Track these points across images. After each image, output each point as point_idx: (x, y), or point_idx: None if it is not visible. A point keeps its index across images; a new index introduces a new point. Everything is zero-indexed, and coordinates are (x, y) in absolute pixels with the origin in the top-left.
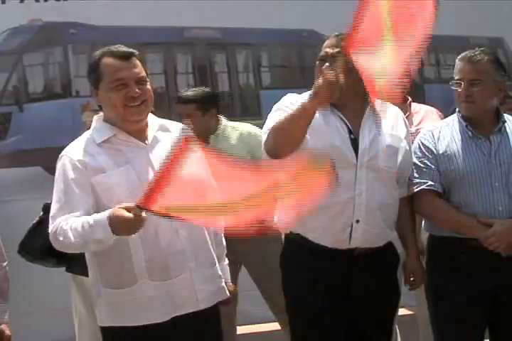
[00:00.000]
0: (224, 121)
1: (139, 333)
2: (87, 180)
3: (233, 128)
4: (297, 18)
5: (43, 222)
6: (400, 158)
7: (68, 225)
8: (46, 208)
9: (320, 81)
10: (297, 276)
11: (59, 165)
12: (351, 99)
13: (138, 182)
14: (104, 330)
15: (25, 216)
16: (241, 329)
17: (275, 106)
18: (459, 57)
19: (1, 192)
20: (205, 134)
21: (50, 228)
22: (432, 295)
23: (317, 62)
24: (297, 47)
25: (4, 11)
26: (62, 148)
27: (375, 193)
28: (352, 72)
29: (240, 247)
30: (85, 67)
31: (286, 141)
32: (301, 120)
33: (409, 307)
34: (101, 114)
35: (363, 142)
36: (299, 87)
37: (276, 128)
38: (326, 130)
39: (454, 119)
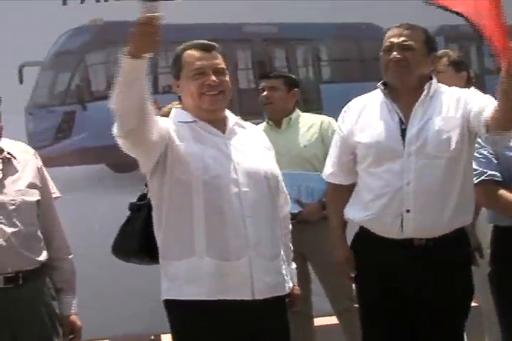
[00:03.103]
0: (298, 110)
1: (191, 308)
2: (164, 132)
3: (306, 117)
4: (355, 11)
5: (130, 221)
6: (454, 140)
7: None
8: (133, 207)
9: None
10: (360, 265)
11: None
12: (414, 86)
13: (212, 163)
14: (165, 304)
15: (90, 213)
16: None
17: (336, 133)
18: None
19: (67, 189)
20: (281, 114)
21: None
22: (497, 285)
23: (381, 53)
24: (356, 41)
25: (65, 12)
26: None
27: (426, 181)
28: (419, 58)
29: (304, 238)
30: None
31: None
32: None
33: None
34: (179, 105)
35: (411, 131)
36: (358, 81)
37: None
38: (374, 124)
39: None
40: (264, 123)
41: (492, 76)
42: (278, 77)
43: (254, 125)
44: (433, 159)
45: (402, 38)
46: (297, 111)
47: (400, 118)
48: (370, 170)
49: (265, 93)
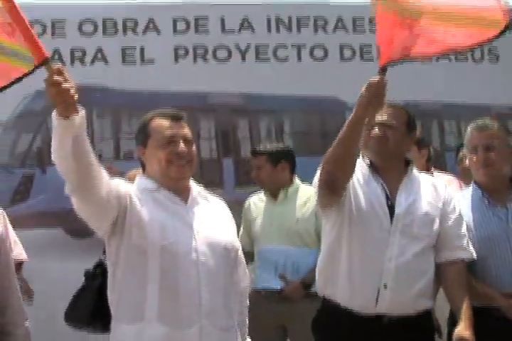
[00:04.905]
0: (298, 181)
1: None
2: (123, 195)
3: (305, 189)
4: (320, 84)
5: (86, 290)
6: (436, 225)
7: None
8: (87, 275)
9: (368, 89)
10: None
11: None
12: (393, 165)
13: (172, 229)
14: None
15: (45, 277)
16: None
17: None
18: (469, 127)
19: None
20: (275, 186)
21: None
22: None
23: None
24: (319, 114)
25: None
26: None
27: (407, 260)
28: (400, 135)
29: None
30: (109, 130)
31: (344, 151)
32: (357, 126)
33: None
34: (141, 173)
35: (399, 208)
36: (320, 154)
37: (336, 143)
38: (366, 192)
39: (470, 189)
40: (263, 193)
41: (452, 153)
42: (262, 155)
43: (215, 196)
44: (415, 239)
45: (385, 117)
46: (296, 182)
47: (387, 194)
48: (351, 237)
49: (254, 172)
